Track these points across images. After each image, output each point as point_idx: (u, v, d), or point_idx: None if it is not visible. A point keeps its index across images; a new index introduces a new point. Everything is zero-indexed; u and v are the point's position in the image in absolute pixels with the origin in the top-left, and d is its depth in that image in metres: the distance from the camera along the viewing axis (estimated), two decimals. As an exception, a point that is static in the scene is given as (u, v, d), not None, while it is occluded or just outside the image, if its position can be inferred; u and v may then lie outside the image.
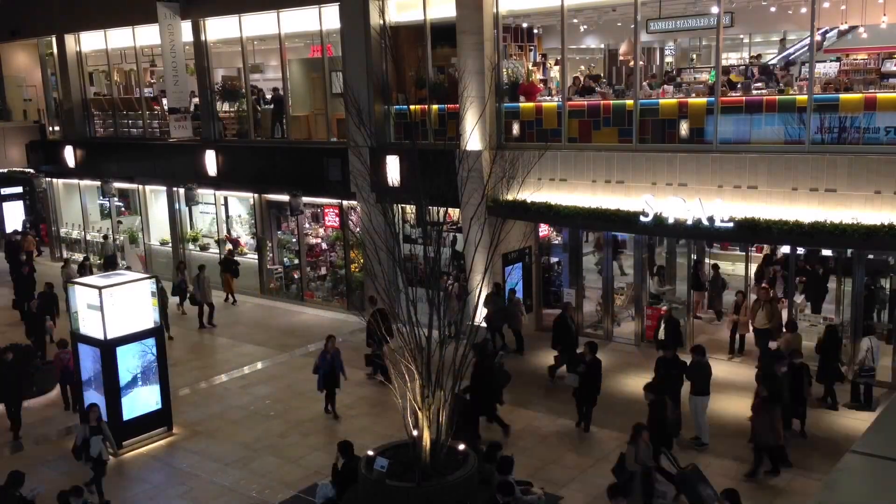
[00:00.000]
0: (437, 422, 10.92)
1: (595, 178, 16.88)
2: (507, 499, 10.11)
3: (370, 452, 11.31)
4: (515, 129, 18.24)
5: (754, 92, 16.10)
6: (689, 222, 15.33)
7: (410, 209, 19.10)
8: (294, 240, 23.21)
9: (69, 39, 27.78)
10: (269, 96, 24.02)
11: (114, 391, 13.83)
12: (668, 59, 25.69)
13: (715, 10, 15.75)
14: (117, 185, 26.65)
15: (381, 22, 18.82)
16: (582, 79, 20.25)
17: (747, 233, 14.88)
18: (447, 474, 10.83)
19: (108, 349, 13.66)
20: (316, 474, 12.91)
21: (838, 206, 14.09)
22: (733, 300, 17.44)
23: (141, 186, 26.58)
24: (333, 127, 21.64)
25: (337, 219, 21.99)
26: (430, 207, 11.52)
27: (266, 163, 22.75)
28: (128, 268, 22.89)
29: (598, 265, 20.03)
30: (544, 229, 19.97)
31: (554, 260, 20.25)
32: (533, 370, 16.95)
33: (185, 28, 23.74)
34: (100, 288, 13.59)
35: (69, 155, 28.20)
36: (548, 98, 18.36)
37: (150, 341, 14.32)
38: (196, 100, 24.67)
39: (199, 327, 20.61)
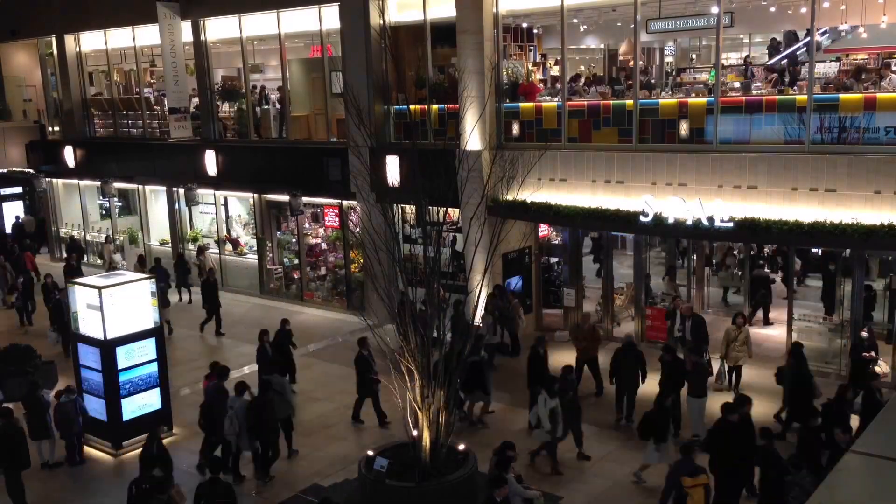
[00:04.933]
0: (437, 422, 10.93)
1: (595, 178, 16.88)
2: (500, 490, 10.05)
3: (370, 452, 11.32)
4: (515, 129, 18.24)
5: (754, 92, 16.10)
6: (689, 222, 15.33)
7: (410, 209, 19.09)
8: (294, 240, 23.22)
9: (69, 39, 27.77)
10: (276, 95, 24.00)
11: (114, 391, 13.84)
12: (668, 59, 25.66)
13: (715, 10, 15.75)
14: (117, 185, 26.65)
15: (381, 22, 18.82)
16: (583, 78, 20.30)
17: (747, 233, 14.89)
18: (447, 474, 10.84)
19: (108, 349, 13.66)
20: (316, 474, 12.92)
21: (838, 206, 14.09)
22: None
23: (141, 186, 26.58)
24: (333, 127, 21.64)
25: (337, 219, 21.99)
26: (430, 207, 11.52)
27: (266, 163, 22.74)
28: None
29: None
30: (544, 229, 19.97)
31: (554, 260, 20.24)
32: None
33: (185, 28, 23.74)
34: (100, 288, 13.60)
35: (69, 155, 28.20)
36: (548, 98, 18.35)
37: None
38: (196, 100, 24.67)
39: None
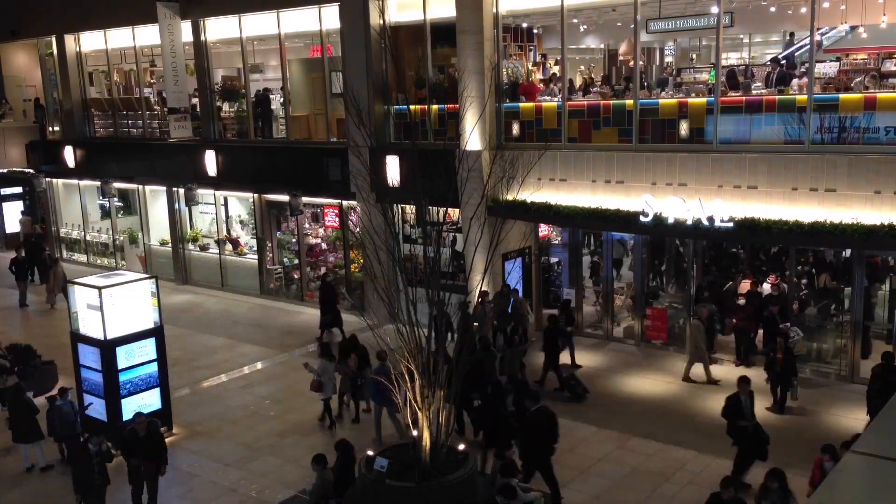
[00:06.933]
0: (437, 422, 10.92)
1: (595, 178, 16.88)
2: (509, 501, 10.10)
3: (370, 452, 11.31)
4: (515, 129, 18.24)
5: (754, 92, 16.10)
6: (689, 222, 15.33)
7: (410, 209, 19.10)
8: (294, 240, 23.22)
9: (69, 39, 27.76)
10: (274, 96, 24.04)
11: (114, 391, 13.84)
12: (668, 59, 25.67)
13: (715, 10, 15.75)
14: (117, 185, 26.65)
15: (381, 22, 18.82)
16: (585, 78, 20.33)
17: (747, 233, 14.89)
18: (447, 474, 10.83)
19: (108, 349, 13.66)
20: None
21: (838, 206, 14.09)
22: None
23: (141, 186, 26.57)
24: (333, 127, 21.63)
25: (337, 219, 21.98)
26: (430, 207, 11.51)
27: (266, 163, 22.74)
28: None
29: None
30: (544, 229, 19.97)
31: (554, 260, 20.25)
32: (534, 370, 16.95)
33: (185, 28, 23.73)
34: (100, 288, 13.60)
35: (69, 155, 28.20)
36: (547, 98, 18.36)
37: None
38: (196, 99, 24.66)
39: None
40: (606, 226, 17.08)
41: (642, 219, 15.80)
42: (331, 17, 20.72)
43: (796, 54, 19.52)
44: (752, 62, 22.94)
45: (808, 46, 15.77)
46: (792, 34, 20.68)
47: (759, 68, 18.39)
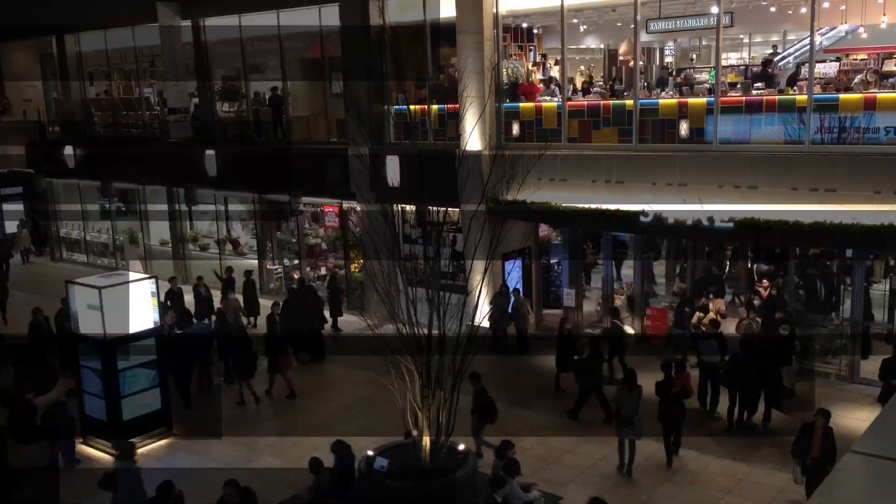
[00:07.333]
0: (437, 422, 10.93)
1: (595, 178, 16.88)
2: (500, 490, 10.06)
3: (370, 452, 11.32)
4: (515, 129, 18.24)
5: (754, 92, 16.10)
6: (689, 222, 15.32)
7: (410, 209, 19.09)
8: (294, 240, 23.21)
9: (69, 39, 27.75)
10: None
11: (113, 391, 13.83)
12: (668, 59, 25.65)
13: (715, 10, 15.75)
14: (117, 185, 26.63)
15: (382, 22, 18.82)
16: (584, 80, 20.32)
17: (747, 233, 14.88)
18: (447, 474, 10.84)
19: (107, 349, 13.65)
20: (316, 474, 12.90)
21: (838, 206, 14.09)
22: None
23: (141, 186, 26.56)
24: (333, 127, 21.62)
25: (337, 219, 21.97)
26: (430, 207, 11.52)
27: (266, 163, 22.72)
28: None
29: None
30: (544, 229, 19.96)
31: (554, 260, 20.25)
32: (534, 370, 16.95)
33: (185, 28, 23.72)
34: (100, 288, 13.59)
35: (69, 155, 28.19)
36: (547, 98, 18.36)
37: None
38: (196, 100, 24.66)
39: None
40: (606, 226, 17.07)
41: (642, 219, 15.79)
42: (331, 17, 20.72)
43: (795, 55, 19.54)
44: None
45: (808, 46, 15.77)
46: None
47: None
